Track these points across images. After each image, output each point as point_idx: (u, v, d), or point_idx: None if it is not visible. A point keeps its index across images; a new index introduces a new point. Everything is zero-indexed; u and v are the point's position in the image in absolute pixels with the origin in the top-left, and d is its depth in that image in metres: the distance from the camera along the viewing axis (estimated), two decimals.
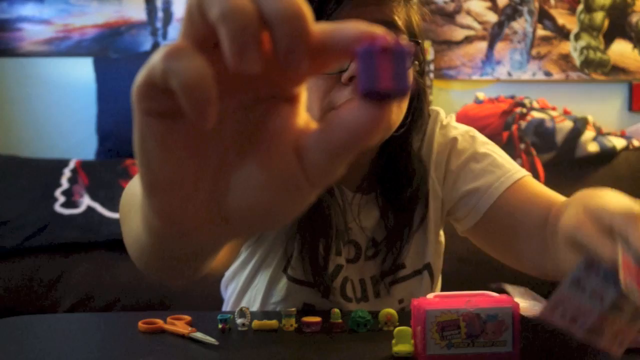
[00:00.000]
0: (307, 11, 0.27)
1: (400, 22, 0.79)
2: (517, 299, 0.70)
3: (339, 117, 0.28)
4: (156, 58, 0.28)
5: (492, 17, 2.48)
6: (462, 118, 2.20)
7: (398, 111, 0.81)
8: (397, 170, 0.91)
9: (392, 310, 0.80)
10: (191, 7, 0.28)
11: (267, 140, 0.31)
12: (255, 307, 0.94)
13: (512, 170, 0.89)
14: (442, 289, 1.01)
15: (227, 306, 1.02)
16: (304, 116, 0.32)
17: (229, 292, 1.00)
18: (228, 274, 1.01)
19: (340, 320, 0.79)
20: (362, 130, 0.28)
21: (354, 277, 0.93)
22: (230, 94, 0.30)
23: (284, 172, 0.30)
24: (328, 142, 0.29)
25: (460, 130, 0.95)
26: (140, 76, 0.29)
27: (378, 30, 0.28)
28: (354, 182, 0.93)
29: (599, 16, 2.47)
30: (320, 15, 0.76)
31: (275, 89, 0.31)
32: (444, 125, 0.96)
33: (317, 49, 0.28)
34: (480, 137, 0.95)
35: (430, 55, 2.44)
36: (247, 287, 0.96)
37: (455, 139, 0.94)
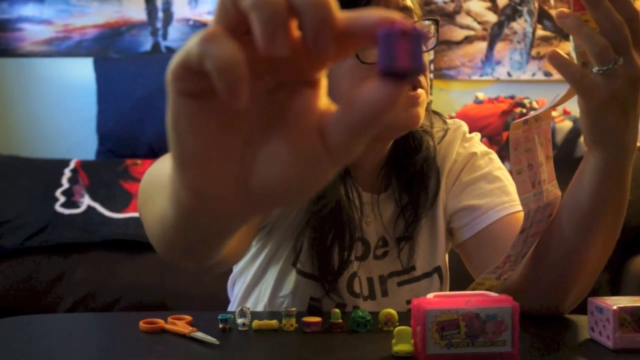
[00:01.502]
0: (334, 1, 0.30)
1: (415, 9, 0.87)
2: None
3: (359, 95, 0.30)
4: (192, 42, 0.30)
5: (492, 17, 2.48)
6: (462, 118, 2.18)
7: (422, 109, 0.86)
8: (413, 167, 0.94)
9: (392, 311, 0.80)
10: None
11: (291, 119, 0.33)
12: (263, 302, 0.94)
13: (518, 201, 0.91)
14: None
15: (234, 302, 1.02)
16: (325, 99, 0.34)
17: (237, 288, 1.01)
18: (236, 270, 1.01)
19: (340, 321, 0.79)
20: (381, 106, 0.30)
21: (362, 274, 0.94)
22: (258, 77, 0.32)
23: (306, 149, 0.32)
24: (349, 120, 0.31)
25: (481, 149, 0.98)
26: (175, 58, 0.31)
27: (397, 15, 0.30)
28: (367, 182, 0.94)
29: None
30: (353, 5, 0.80)
31: (298, 74, 0.33)
32: (467, 138, 0.99)
33: (341, 33, 0.30)
34: (498, 162, 0.98)
35: (430, 55, 2.44)
36: (256, 282, 0.96)
37: (474, 154, 0.97)
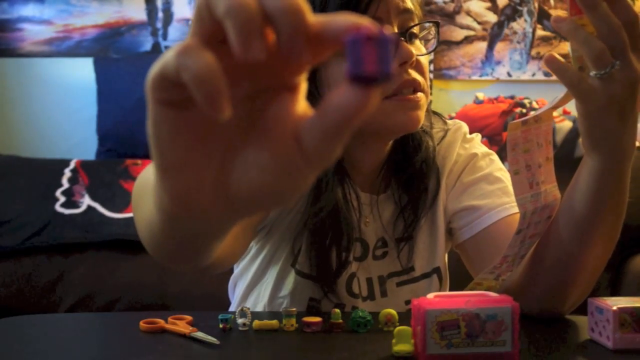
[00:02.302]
0: (305, 5, 0.30)
1: (416, 10, 0.87)
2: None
3: (330, 101, 0.31)
4: (169, 54, 0.31)
5: (492, 18, 2.48)
6: (462, 118, 2.19)
7: (422, 112, 0.86)
8: (412, 167, 0.94)
9: (392, 311, 0.80)
10: (200, 7, 0.31)
11: (269, 126, 0.33)
12: (263, 302, 0.94)
13: None
14: None
15: (235, 302, 1.02)
16: (303, 104, 0.34)
17: (238, 288, 1.01)
18: (237, 271, 1.02)
19: (340, 321, 0.80)
20: (351, 111, 0.30)
21: (360, 275, 0.94)
22: (235, 84, 0.33)
23: (283, 155, 0.33)
24: (321, 125, 0.31)
25: (482, 150, 0.99)
26: (154, 69, 0.32)
27: (364, 21, 0.30)
28: (366, 183, 0.94)
29: None
30: (356, 8, 0.81)
31: (276, 79, 0.34)
32: (467, 139, 0.99)
33: (314, 39, 0.31)
34: (499, 163, 0.98)
35: (430, 56, 2.44)
36: (256, 282, 0.96)
37: (475, 155, 0.97)
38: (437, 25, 0.89)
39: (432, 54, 1.05)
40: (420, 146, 0.94)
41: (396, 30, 0.84)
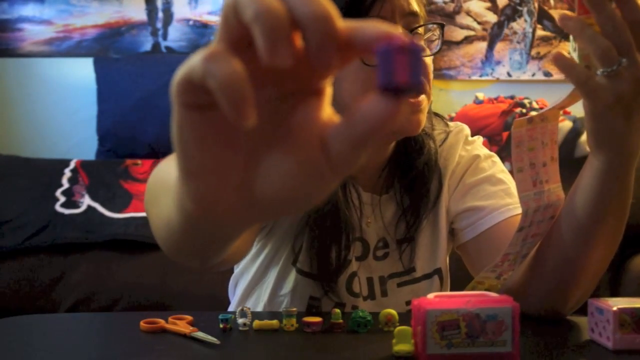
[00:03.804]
0: (334, 11, 0.30)
1: (420, 12, 0.86)
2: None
3: (359, 109, 0.31)
4: (195, 59, 0.31)
5: (492, 18, 2.48)
6: (462, 118, 2.20)
7: (424, 115, 0.87)
8: (415, 169, 0.94)
9: (392, 311, 0.80)
10: (227, 10, 0.31)
11: (294, 131, 0.33)
12: (264, 301, 0.94)
13: None
14: None
15: (235, 302, 1.02)
16: (328, 110, 0.34)
17: (239, 287, 1.01)
18: (237, 270, 1.02)
19: (340, 321, 0.80)
20: (380, 120, 0.30)
21: (361, 274, 0.94)
22: (261, 88, 0.33)
23: (308, 161, 0.33)
24: (350, 133, 0.31)
25: (484, 151, 0.99)
26: (180, 72, 0.32)
27: (396, 30, 0.30)
28: (369, 183, 0.94)
29: None
30: (358, 8, 0.81)
31: (302, 84, 0.33)
32: (469, 141, 1.00)
33: (343, 45, 0.31)
34: (500, 165, 0.98)
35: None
36: (257, 281, 0.97)
37: (478, 156, 0.97)
38: (441, 26, 0.89)
39: None
40: (423, 148, 0.94)
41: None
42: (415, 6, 0.85)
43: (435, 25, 0.89)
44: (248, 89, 0.29)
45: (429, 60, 0.88)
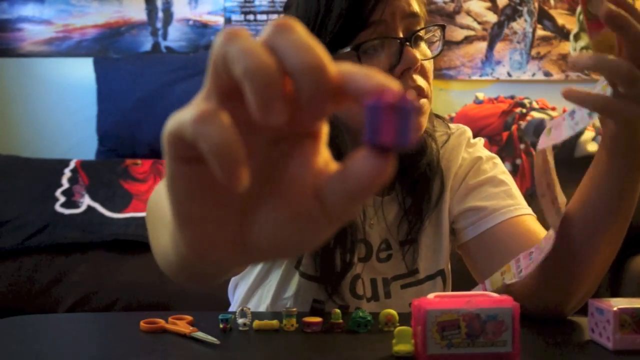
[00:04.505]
0: (326, 58, 0.29)
1: (421, 13, 0.86)
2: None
3: (351, 166, 0.30)
4: (186, 116, 0.30)
5: (492, 18, 2.48)
6: (462, 118, 2.20)
7: (424, 118, 0.87)
8: (417, 170, 0.94)
9: (392, 311, 0.80)
10: (216, 61, 0.30)
11: (288, 180, 0.33)
12: (265, 304, 0.94)
13: (522, 205, 0.93)
14: None
15: (235, 305, 1.02)
16: (324, 154, 0.33)
17: (239, 291, 1.01)
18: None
19: (340, 321, 0.80)
20: (371, 178, 0.30)
21: (365, 276, 0.94)
22: (253, 134, 0.32)
23: (303, 211, 0.32)
24: (343, 188, 0.31)
25: (485, 153, 1.00)
26: (170, 126, 0.31)
27: (389, 83, 0.29)
28: None
29: None
30: (360, 12, 0.81)
31: (297, 127, 0.32)
32: (471, 143, 1.00)
33: (336, 91, 0.30)
34: (502, 166, 0.99)
35: None
36: (258, 284, 0.96)
37: (480, 158, 0.98)
38: (442, 28, 0.89)
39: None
40: (425, 149, 0.94)
41: (401, 34, 0.84)
42: (415, 7, 0.85)
43: (436, 27, 0.89)
44: (241, 154, 0.29)
45: (429, 62, 0.88)
